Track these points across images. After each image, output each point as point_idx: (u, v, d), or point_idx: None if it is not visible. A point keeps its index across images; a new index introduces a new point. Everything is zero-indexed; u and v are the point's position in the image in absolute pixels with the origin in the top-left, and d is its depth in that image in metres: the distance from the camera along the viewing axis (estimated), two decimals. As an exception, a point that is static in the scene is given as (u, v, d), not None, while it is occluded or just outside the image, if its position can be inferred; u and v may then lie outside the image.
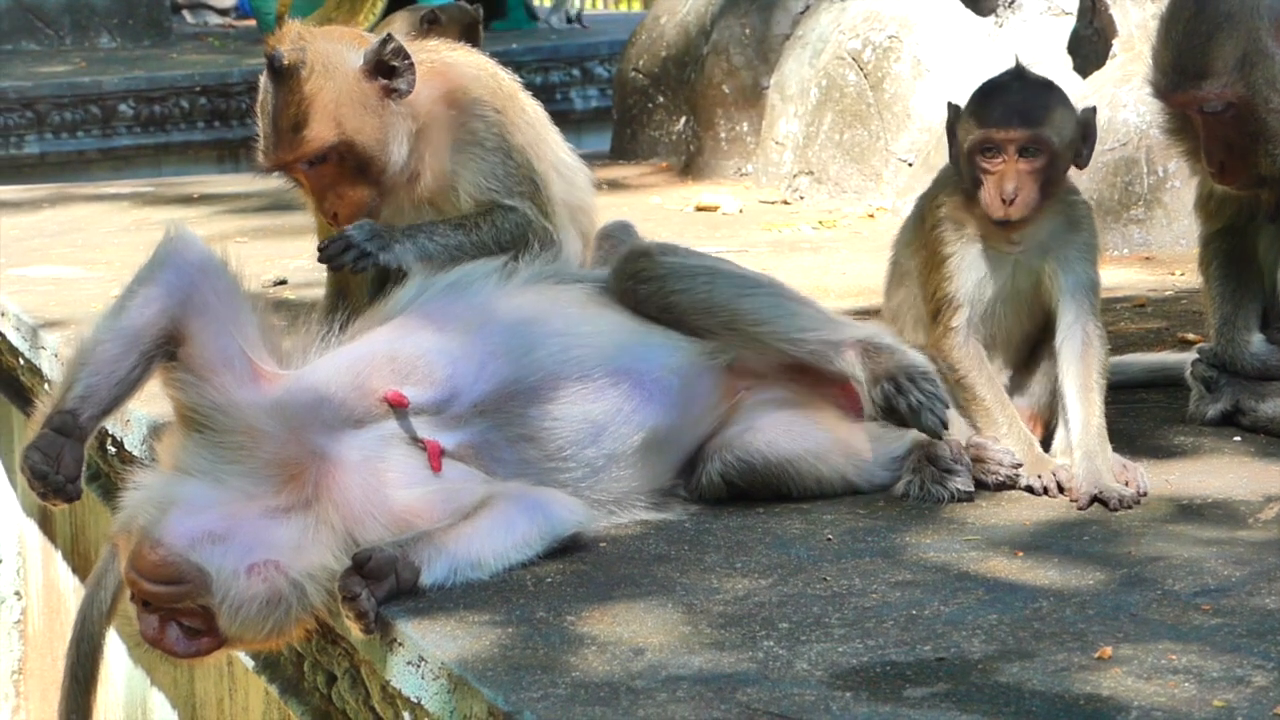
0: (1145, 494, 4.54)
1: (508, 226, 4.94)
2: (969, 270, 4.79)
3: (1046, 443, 4.77)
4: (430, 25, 7.73)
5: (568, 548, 4.29)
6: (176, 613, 4.18)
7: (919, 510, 4.53)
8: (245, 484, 4.25)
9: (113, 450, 5.90)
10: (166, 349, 4.37)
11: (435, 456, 4.35)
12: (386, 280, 4.90)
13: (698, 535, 4.41)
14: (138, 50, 17.11)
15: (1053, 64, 8.05)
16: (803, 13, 9.72)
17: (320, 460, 4.28)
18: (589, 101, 16.01)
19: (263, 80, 4.92)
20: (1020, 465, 4.63)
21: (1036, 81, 4.83)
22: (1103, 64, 8.10)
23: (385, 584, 4.02)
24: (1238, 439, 5.00)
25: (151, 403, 5.01)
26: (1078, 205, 4.86)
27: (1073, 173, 4.86)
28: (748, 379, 4.70)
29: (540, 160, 5.13)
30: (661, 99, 10.29)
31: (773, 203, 9.12)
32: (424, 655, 3.81)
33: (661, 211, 8.99)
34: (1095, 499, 4.51)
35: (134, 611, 4.25)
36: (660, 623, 3.87)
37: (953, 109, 4.85)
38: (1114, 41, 8.08)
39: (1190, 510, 4.47)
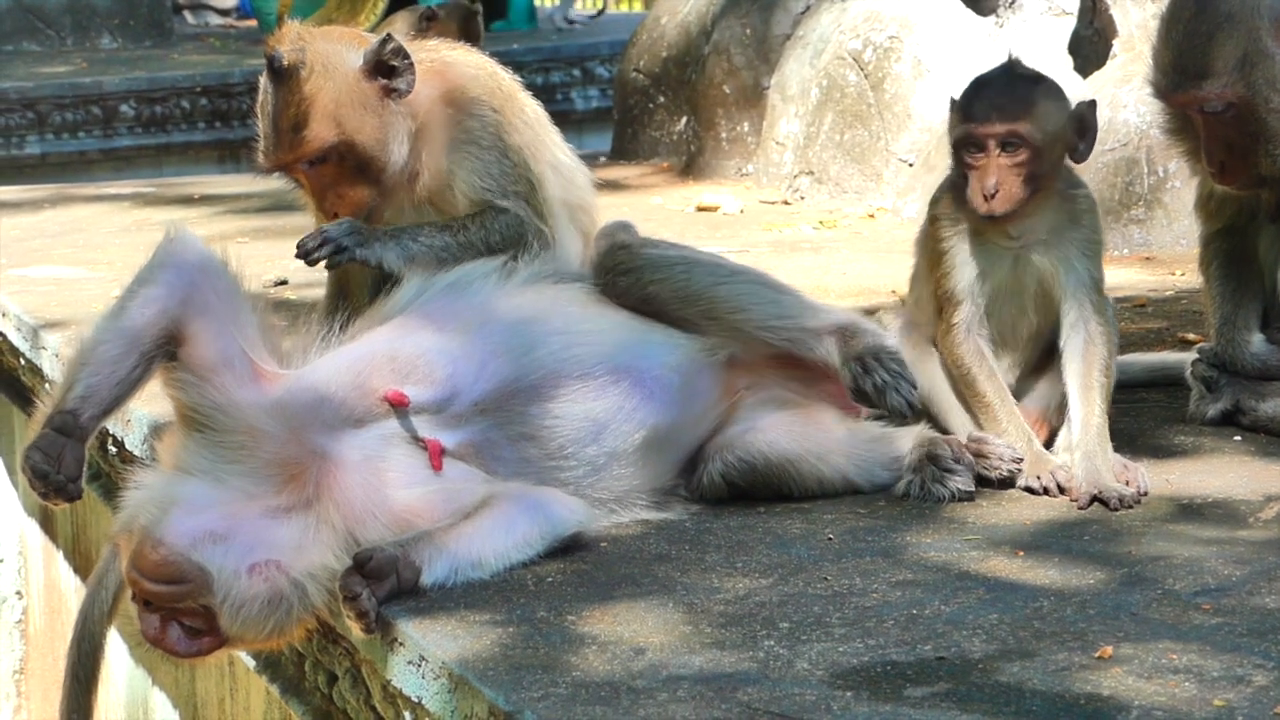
0: (1145, 494, 4.54)
1: (498, 227, 4.93)
2: (967, 265, 4.78)
3: (1051, 444, 4.77)
4: (429, 22, 7.72)
5: (569, 547, 4.29)
6: (178, 612, 4.19)
7: (919, 510, 4.53)
8: (246, 484, 4.25)
9: (114, 450, 5.90)
10: (167, 349, 4.38)
11: (436, 456, 4.35)
12: (387, 281, 4.90)
13: (699, 535, 4.41)
14: (139, 51, 17.09)
15: (1053, 64, 8.03)
16: (803, 13, 9.71)
17: (321, 460, 4.28)
18: (590, 102, 15.99)
19: (263, 81, 4.92)
20: (1022, 460, 4.62)
21: (1024, 76, 4.79)
22: (1103, 64, 8.09)
23: (386, 583, 4.03)
24: (1238, 439, 5.00)
25: (152, 402, 5.01)
26: (1079, 199, 4.83)
27: (1074, 169, 4.85)
28: (747, 377, 4.70)
29: (538, 160, 5.12)
30: (662, 99, 10.28)
31: (773, 203, 9.11)
32: (425, 655, 3.81)
33: (662, 212, 8.98)
34: (1095, 499, 4.50)
35: (135, 611, 4.25)
36: (661, 622, 3.88)
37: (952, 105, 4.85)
38: (1114, 41, 8.08)
39: (1190, 510, 4.47)
